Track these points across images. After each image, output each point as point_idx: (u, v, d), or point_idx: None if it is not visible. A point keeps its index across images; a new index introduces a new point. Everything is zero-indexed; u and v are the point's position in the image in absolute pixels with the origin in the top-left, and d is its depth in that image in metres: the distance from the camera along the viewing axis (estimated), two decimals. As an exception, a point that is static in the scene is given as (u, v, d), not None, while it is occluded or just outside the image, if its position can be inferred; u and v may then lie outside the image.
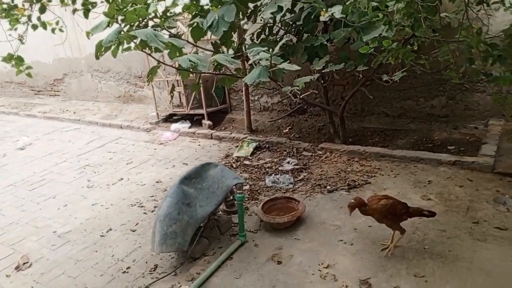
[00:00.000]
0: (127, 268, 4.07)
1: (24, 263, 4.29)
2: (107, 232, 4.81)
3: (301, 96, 5.46)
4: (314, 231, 4.38)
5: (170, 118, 9.21)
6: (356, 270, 3.68)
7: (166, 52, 5.22)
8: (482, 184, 4.93)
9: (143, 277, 3.91)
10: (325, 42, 5.74)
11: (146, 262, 4.14)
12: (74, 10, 5.10)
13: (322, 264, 3.82)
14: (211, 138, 7.87)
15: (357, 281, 3.52)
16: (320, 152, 6.44)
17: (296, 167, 6.05)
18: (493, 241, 3.87)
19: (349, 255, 3.89)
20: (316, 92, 7.36)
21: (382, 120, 7.40)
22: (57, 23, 5.08)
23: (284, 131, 7.74)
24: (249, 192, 5.40)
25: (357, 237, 4.17)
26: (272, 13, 5.54)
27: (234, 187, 4.42)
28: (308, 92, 6.07)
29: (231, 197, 4.75)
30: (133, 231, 4.78)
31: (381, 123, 7.34)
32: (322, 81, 6.62)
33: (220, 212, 4.82)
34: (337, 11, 4.63)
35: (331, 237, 4.23)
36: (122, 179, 6.37)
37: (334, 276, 3.62)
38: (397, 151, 5.92)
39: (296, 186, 5.49)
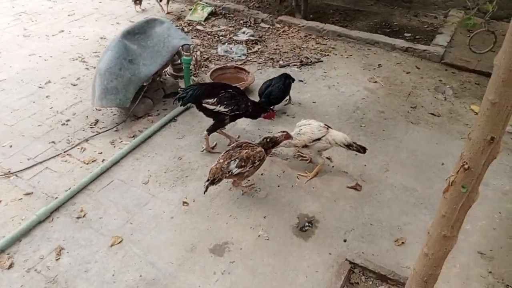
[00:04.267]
0: (66, 121, 3.99)
1: (-47, 108, 4.06)
2: (45, 84, 4.57)
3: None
4: (260, 101, 4.42)
5: (119, -30, 8.23)
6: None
7: None
8: (428, 72, 5.07)
9: (83, 130, 3.88)
10: None
11: (87, 117, 4.06)
12: None
13: (259, 129, 3.98)
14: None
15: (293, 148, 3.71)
16: (278, 26, 6.19)
17: (251, 38, 5.82)
18: (424, 125, 4.14)
19: (288, 124, 4.01)
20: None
21: (346, -1, 7.10)
22: None
23: (243, -2, 7.25)
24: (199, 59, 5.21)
25: (299, 111, 4.28)
26: None
27: (181, 48, 4.21)
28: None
29: (179, 61, 4.57)
30: (74, 85, 4.58)
31: (344, 1, 7.04)
32: None
33: (167, 76, 4.67)
34: None
35: (276, 110, 4.30)
36: (63, 31, 5.86)
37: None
38: (354, 32, 5.81)
39: (249, 58, 5.36)
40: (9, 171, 3.36)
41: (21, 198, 3.13)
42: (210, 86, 3.67)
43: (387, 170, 3.53)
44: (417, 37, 6.01)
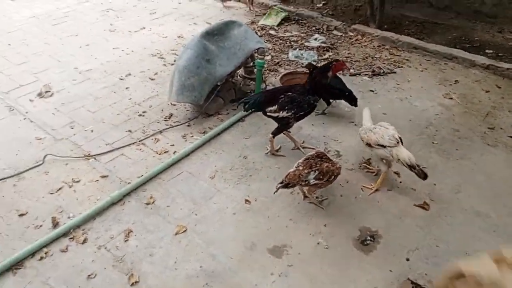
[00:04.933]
0: (143, 112, 4.23)
1: (46, 92, 4.46)
2: (126, 76, 4.89)
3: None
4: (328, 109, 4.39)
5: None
6: (360, 150, 3.75)
7: None
8: (510, 93, 4.75)
9: (158, 122, 4.09)
10: None
11: (162, 110, 4.28)
12: None
13: (325, 136, 3.96)
14: (239, 0, 7.42)
15: (359, 159, 3.66)
16: (351, 34, 6.12)
17: (323, 45, 5.81)
18: (503, 148, 3.88)
19: (354, 132, 3.91)
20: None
21: (424, 11, 6.82)
22: None
23: (317, 5, 7.23)
24: (269, 63, 5.29)
25: (369, 122, 4.19)
26: None
27: (255, 51, 4.30)
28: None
29: (251, 63, 4.66)
30: (152, 79, 4.84)
31: (422, 13, 6.78)
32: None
33: (239, 77, 4.79)
34: None
35: (344, 118, 4.27)
36: (144, 28, 6.23)
37: (338, 152, 3.74)
38: (431, 45, 5.59)
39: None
40: (89, 154, 3.63)
41: (97, 180, 3.36)
42: (270, 92, 3.67)
43: (458, 191, 3.35)
44: (500, 54, 5.64)
